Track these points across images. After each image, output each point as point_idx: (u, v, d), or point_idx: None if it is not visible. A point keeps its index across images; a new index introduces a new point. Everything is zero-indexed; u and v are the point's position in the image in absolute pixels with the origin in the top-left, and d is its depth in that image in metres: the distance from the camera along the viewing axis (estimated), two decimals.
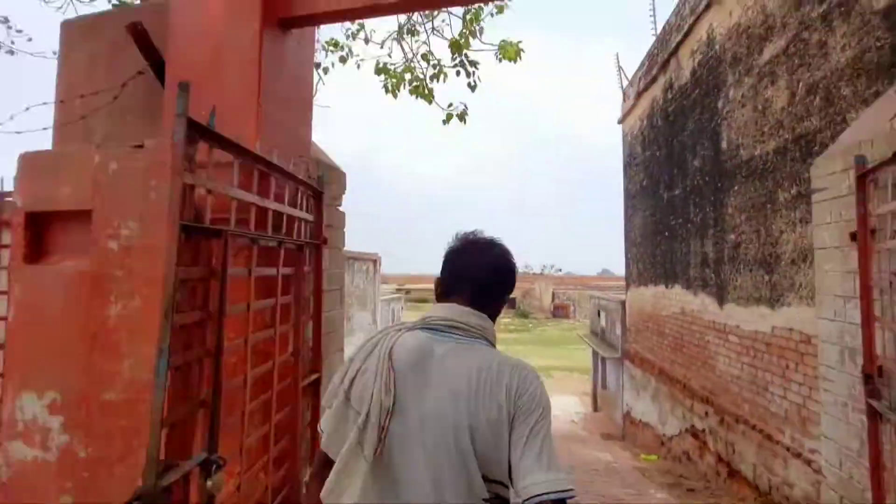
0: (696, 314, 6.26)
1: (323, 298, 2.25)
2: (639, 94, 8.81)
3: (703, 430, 5.94)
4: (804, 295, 4.00)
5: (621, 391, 10.06)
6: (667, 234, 7.41)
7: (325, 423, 1.11)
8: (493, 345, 1.15)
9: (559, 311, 46.90)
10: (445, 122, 4.36)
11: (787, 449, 4.19)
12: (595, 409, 13.29)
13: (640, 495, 4.53)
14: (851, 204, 2.06)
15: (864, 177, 1.89)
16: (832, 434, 2.21)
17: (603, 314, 11.89)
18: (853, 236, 1.97)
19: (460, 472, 0.98)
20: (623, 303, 10.03)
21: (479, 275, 1.16)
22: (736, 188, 5.18)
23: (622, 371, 9.96)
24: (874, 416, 1.84)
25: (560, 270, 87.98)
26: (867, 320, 1.87)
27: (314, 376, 2.17)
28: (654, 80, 8.02)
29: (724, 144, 5.47)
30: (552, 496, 0.92)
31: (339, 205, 2.64)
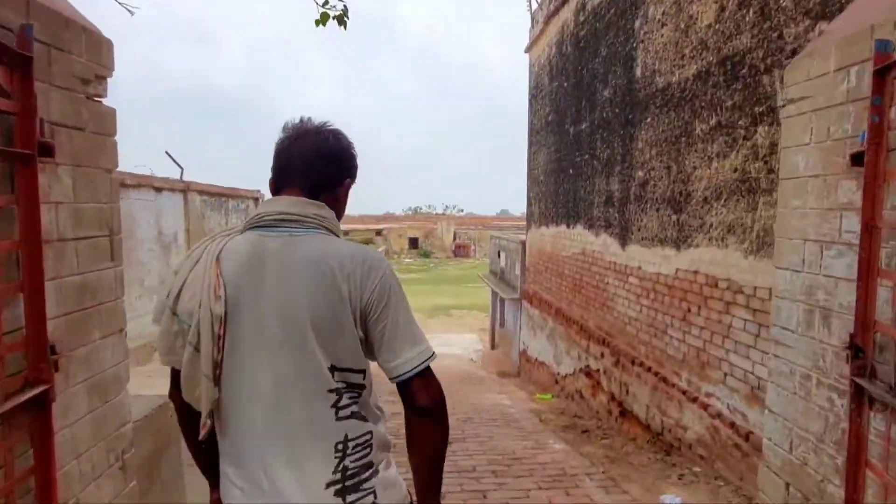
0: (598, 255, 6.06)
1: (46, 252, 1.26)
2: (548, 18, 8.09)
3: (598, 371, 5.91)
4: (715, 236, 3.75)
5: (518, 330, 10.11)
6: (571, 171, 7.06)
7: (158, 342, 1.09)
8: (335, 234, 1.08)
9: (460, 251, 47.83)
10: (320, 22, 3.43)
11: (684, 392, 4.11)
12: (493, 346, 13.52)
13: (540, 449, 4.28)
14: (847, 116, 1.51)
15: (887, 72, 1.31)
16: (782, 410, 1.81)
17: (503, 254, 11.74)
18: (855, 158, 1.43)
19: (305, 366, 0.98)
20: (523, 243, 9.83)
21: (306, 160, 1.10)
22: (648, 120, 4.78)
23: (520, 311, 9.94)
24: (860, 399, 1.39)
25: (462, 211, 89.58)
26: (866, 273, 1.37)
27: (35, 390, 1.22)
28: (564, 0, 7.31)
29: (638, 71, 5.00)
30: (420, 367, 1.02)
31: (101, 95, 1.57)
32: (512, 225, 53.57)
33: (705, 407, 3.82)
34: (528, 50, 9.48)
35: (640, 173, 4.94)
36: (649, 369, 4.69)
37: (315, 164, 1.09)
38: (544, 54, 8.43)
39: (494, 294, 12.19)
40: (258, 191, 11.62)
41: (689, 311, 4.10)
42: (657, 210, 4.61)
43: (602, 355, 5.79)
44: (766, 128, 3.21)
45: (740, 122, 3.47)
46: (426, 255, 45.75)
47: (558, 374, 7.47)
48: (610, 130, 5.70)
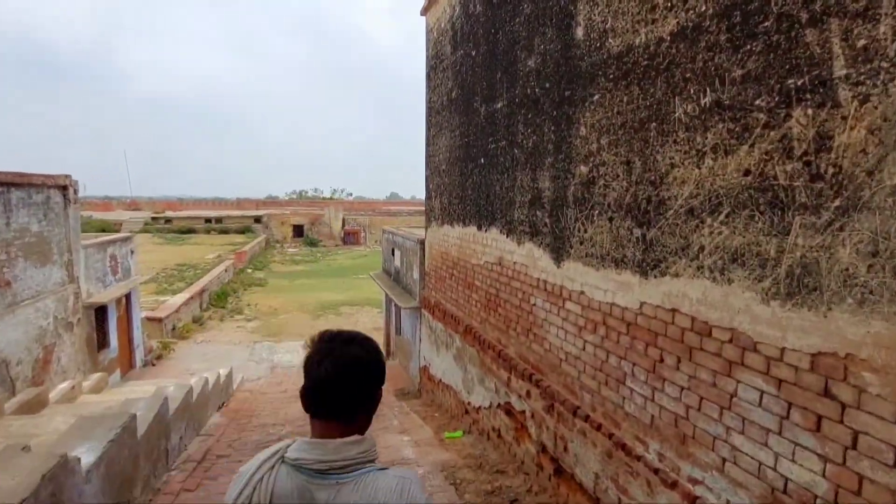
0: (521, 269, 4.85)
1: None
2: None
3: (524, 412, 4.75)
4: (708, 265, 2.64)
5: (418, 342, 8.75)
6: (483, 161, 5.75)
7: None
8: (374, 461, 1.17)
9: (350, 238, 45.33)
10: None
11: (655, 471, 3.03)
12: (388, 354, 12.04)
13: None
14: None
15: None
16: None
17: (398, 253, 10.24)
18: None
19: None
20: (422, 243, 8.42)
21: (339, 389, 1.15)
22: (596, 98, 3.58)
23: (420, 321, 8.57)
24: None
25: (351, 195, 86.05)
26: None
27: None
28: None
29: (579, 32, 3.76)
30: None
31: None
32: (402, 210, 52.00)
33: (691, 499, 2.76)
34: (424, 12, 7.94)
35: (583, 168, 3.75)
36: (599, 427, 3.58)
37: (350, 389, 1.15)
38: (445, 16, 6.98)
39: (388, 299, 10.68)
40: (67, 177, 8.64)
41: (661, 361, 3.00)
42: (609, 219, 3.46)
43: (529, 395, 4.63)
44: (811, 111, 2.11)
45: (758, 102, 2.35)
46: (312, 243, 42.53)
47: (469, 403, 6.25)
48: (537, 111, 4.45)
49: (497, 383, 5.34)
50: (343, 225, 45.65)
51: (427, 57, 7.96)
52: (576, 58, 3.82)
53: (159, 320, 14.05)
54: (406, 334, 9.82)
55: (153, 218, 44.65)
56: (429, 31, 7.87)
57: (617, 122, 3.35)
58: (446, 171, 7.14)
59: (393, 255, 10.76)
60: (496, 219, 5.40)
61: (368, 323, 17.36)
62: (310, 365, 1.17)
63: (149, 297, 17.01)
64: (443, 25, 7.14)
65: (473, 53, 5.97)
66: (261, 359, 13.00)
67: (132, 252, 11.42)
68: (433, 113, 7.72)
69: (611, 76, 3.41)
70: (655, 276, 3.03)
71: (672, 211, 2.89)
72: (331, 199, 69.41)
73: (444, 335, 7.24)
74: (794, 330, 2.20)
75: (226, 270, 22.89)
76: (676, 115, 2.85)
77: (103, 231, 26.41)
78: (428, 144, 8.05)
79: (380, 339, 14.31)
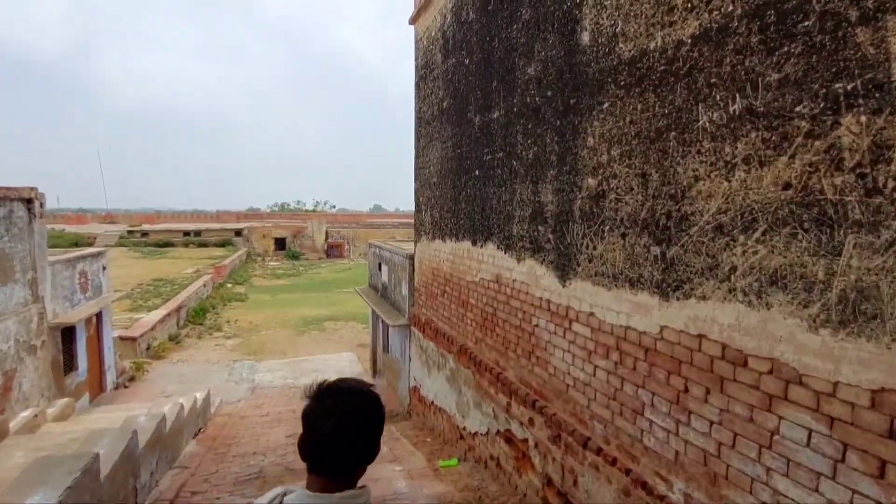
0: (521, 287, 4.57)
1: None
2: None
3: (526, 441, 4.44)
4: (742, 287, 2.40)
5: (408, 361, 8.38)
6: (478, 173, 5.50)
7: None
8: None
9: (333, 251, 44.70)
10: None
11: None
12: (374, 373, 11.62)
13: None
14: None
15: None
16: None
17: (385, 268, 9.89)
18: None
19: None
20: (412, 258, 8.11)
21: (345, 448, 1.13)
22: (605, 106, 3.35)
23: (409, 339, 8.22)
24: None
25: (334, 207, 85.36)
26: None
27: None
28: None
29: (585, 37, 3.55)
30: None
31: None
32: (387, 222, 51.51)
33: None
34: (413, 20, 7.73)
35: (592, 181, 3.51)
36: (613, 462, 3.30)
37: (355, 447, 1.14)
38: (436, 24, 6.77)
39: (375, 313, 10.31)
40: (32, 189, 8.14)
41: (686, 391, 2.74)
42: (623, 236, 3.21)
43: (532, 422, 4.32)
44: (864, 118, 1.89)
45: (798, 109, 2.13)
46: (295, 256, 41.77)
47: (464, 428, 5.91)
48: (538, 120, 4.22)
49: (496, 408, 5.02)
50: (326, 238, 45.01)
51: (416, 66, 7.74)
52: (581, 64, 3.61)
53: (133, 339, 13.38)
54: (394, 352, 9.45)
55: (129, 231, 43.36)
56: (418, 41, 7.65)
57: (630, 131, 3.13)
58: (437, 184, 6.87)
59: (380, 270, 10.41)
60: (493, 234, 5.13)
61: (353, 339, 16.89)
62: (313, 419, 1.14)
63: (122, 314, 16.28)
64: (433, 34, 6.93)
65: (467, 62, 5.75)
66: (240, 379, 12.43)
67: (104, 268, 10.84)
68: (423, 123, 7.47)
69: (622, 83, 3.19)
70: (678, 299, 2.78)
71: (697, 227, 2.65)
72: (314, 211, 68.67)
73: (436, 355, 6.90)
74: (849, 362, 1.96)
75: (204, 285, 22.16)
76: (700, 123, 2.62)
77: (76, 245, 25.41)
78: (417, 156, 7.79)
79: (365, 356, 13.86)
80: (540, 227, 4.21)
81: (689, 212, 2.70)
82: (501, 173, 4.92)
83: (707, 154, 2.59)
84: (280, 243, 43.13)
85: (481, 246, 5.41)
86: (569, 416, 3.82)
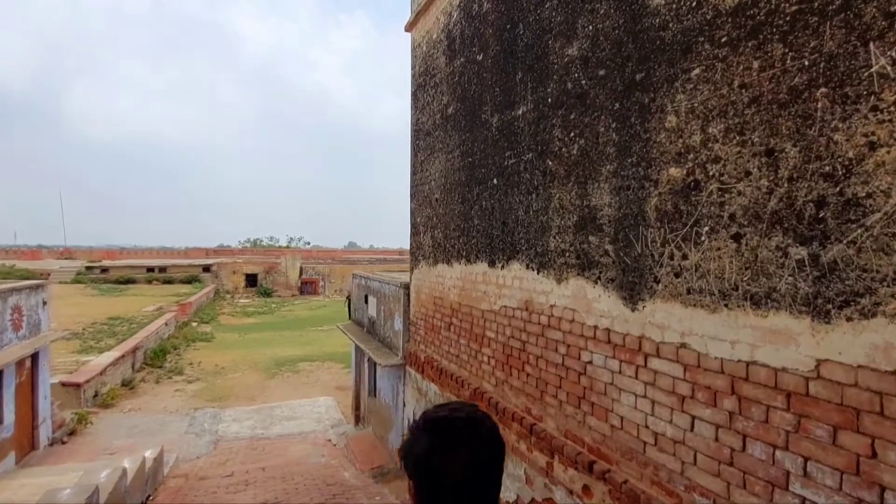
0: (562, 314, 3.67)
1: None
2: None
3: None
4: None
5: (401, 407, 7.26)
6: (496, 181, 4.68)
7: None
8: None
9: (307, 287, 43.05)
10: None
11: None
12: (357, 420, 10.31)
13: None
14: None
15: None
16: None
17: (373, 301, 8.85)
18: None
19: None
20: (406, 287, 7.14)
21: (476, 482, 0.96)
22: (695, 73, 2.59)
23: (403, 380, 7.13)
24: None
25: (308, 244, 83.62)
26: None
27: None
28: None
29: None
30: None
31: None
32: (363, 258, 50.13)
33: None
34: (409, 27, 7.09)
35: (676, 171, 2.71)
36: None
37: (487, 480, 0.99)
38: (438, 25, 6.10)
39: (360, 352, 9.15)
40: None
41: (872, 456, 1.85)
42: (736, 237, 2.38)
43: (587, 491, 3.32)
44: None
45: None
46: (267, 293, 39.92)
47: None
48: (585, 108, 3.45)
49: (528, 470, 4.00)
50: (301, 274, 43.39)
51: (413, 75, 7.03)
52: (652, 29, 2.87)
53: (77, 385, 11.70)
54: (384, 397, 8.28)
55: (88, 267, 40.75)
56: (415, 48, 6.98)
57: (741, 98, 2.35)
58: (440, 200, 6.02)
59: (366, 302, 9.35)
60: (518, 251, 4.26)
61: (331, 381, 15.47)
62: (437, 463, 0.95)
63: (68, 356, 14.51)
64: (434, 37, 6.25)
65: (479, 58, 5.04)
66: (202, 430, 10.89)
67: (44, 303, 9.41)
68: (421, 135, 6.69)
69: (722, 39, 2.45)
70: (849, 319, 1.93)
71: (879, 215, 1.84)
72: (287, 247, 66.86)
73: (439, 400, 5.84)
74: None
75: (166, 324, 20.37)
76: (874, 69, 1.86)
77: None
78: (414, 172, 6.96)
79: (346, 401, 12.50)
80: (591, 238, 3.36)
81: (862, 194, 1.89)
82: (531, 178, 4.10)
83: (891, 110, 1.81)
84: (251, 279, 41.24)
85: (502, 267, 4.52)
86: (650, 486, 2.85)
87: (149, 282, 38.91)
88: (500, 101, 4.60)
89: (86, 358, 14.36)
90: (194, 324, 24.58)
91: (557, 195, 3.75)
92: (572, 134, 3.58)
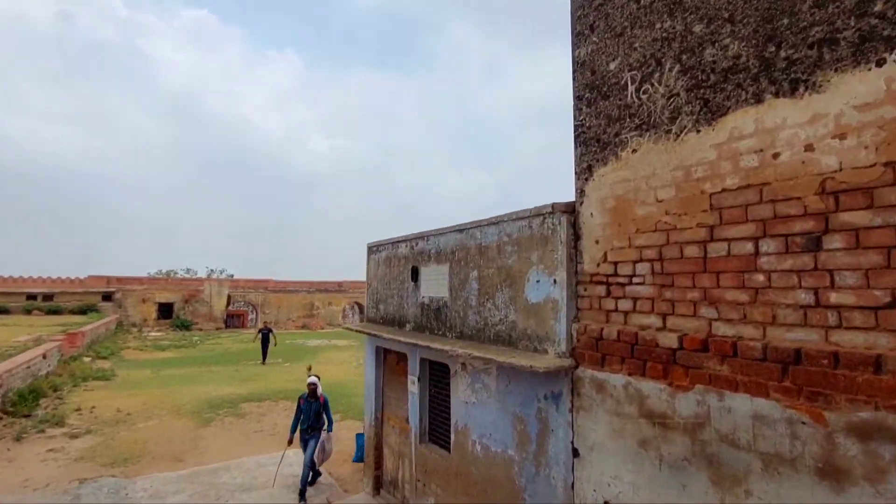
0: None
1: None
2: None
3: None
4: None
5: (559, 462, 3.52)
6: None
7: None
8: None
9: (233, 320, 36.80)
10: None
11: None
12: (378, 487, 6.19)
13: None
14: None
15: None
16: None
17: (439, 271, 5.08)
18: None
19: None
20: (572, 210, 3.59)
21: None
22: None
23: (565, 401, 3.45)
24: None
25: (232, 275, 75.11)
26: None
27: None
28: None
29: None
30: None
31: None
32: (303, 287, 44.02)
33: None
34: None
35: None
36: None
37: None
38: None
39: (414, 360, 5.24)
40: None
41: None
42: None
43: None
44: None
45: None
46: (185, 326, 33.35)
47: None
48: None
49: None
50: (228, 303, 37.07)
51: None
52: None
53: None
54: (483, 442, 4.41)
55: None
56: None
57: None
58: None
59: (415, 280, 5.53)
60: None
61: (286, 424, 10.92)
62: None
63: None
64: None
65: None
66: None
67: None
68: None
69: None
70: None
71: None
72: (207, 278, 58.85)
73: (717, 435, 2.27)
74: None
75: (44, 356, 14.55)
76: None
77: None
78: None
79: (334, 454, 8.20)
80: None
81: None
82: None
83: None
84: (166, 310, 34.37)
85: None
86: None
87: (28, 311, 30.98)
88: None
89: None
90: (87, 359, 18.48)
91: None
92: None
